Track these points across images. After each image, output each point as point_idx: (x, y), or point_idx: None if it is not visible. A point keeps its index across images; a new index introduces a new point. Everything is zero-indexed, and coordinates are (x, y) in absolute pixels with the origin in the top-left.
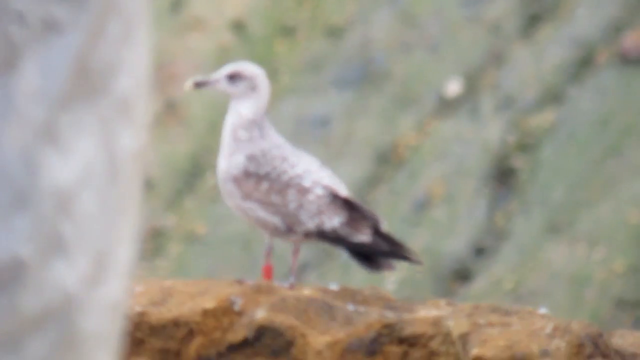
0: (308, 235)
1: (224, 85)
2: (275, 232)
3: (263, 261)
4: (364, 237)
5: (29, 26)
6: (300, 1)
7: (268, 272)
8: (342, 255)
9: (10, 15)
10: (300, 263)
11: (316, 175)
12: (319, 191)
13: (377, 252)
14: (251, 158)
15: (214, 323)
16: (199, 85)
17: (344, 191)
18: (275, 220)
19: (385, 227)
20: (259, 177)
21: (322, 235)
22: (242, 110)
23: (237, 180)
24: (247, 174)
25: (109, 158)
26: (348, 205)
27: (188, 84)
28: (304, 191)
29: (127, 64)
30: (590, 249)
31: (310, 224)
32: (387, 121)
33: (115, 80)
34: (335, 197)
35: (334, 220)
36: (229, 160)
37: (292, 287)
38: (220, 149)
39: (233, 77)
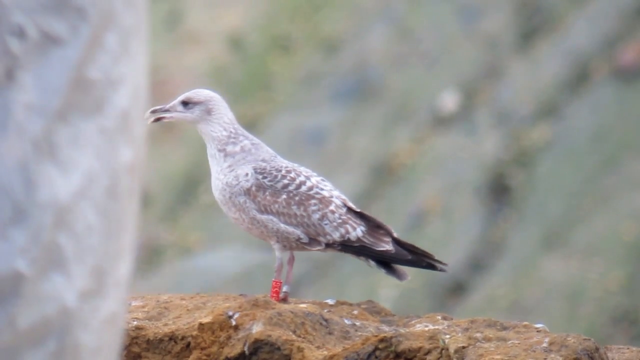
0: (330, 245)
1: (180, 112)
2: (297, 243)
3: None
4: (386, 246)
5: (28, 39)
6: (296, 16)
7: (277, 288)
8: (341, 270)
9: (10, 28)
10: (295, 279)
11: (328, 186)
12: (337, 201)
13: (401, 261)
14: (261, 171)
15: (210, 337)
16: (155, 112)
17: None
18: (297, 232)
19: (398, 235)
20: (276, 190)
21: (347, 245)
22: (212, 133)
23: (250, 193)
24: (260, 187)
25: (108, 172)
26: (361, 216)
27: (146, 115)
28: (325, 202)
29: (125, 77)
30: (586, 264)
31: (336, 235)
32: (382, 136)
33: (115, 93)
34: (348, 208)
35: (357, 230)
36: (235, 175)
37: (286, 296)
38: (211, 168)
39: (186, 104)
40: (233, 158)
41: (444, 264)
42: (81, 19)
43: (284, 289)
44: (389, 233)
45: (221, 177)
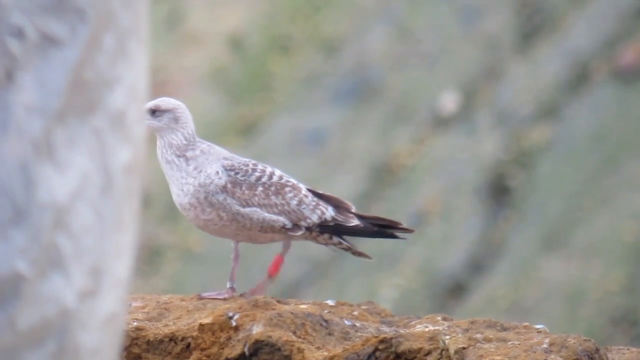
0: (310, 228)
1: (148, 121)
2: (281, 230)
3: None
4: (355, 221)
5: (27, 40)
6: (296, 17)
7: (277, 265)
8: (341, 270)
9: (9, 29)
10: (295, 279)
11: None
12: (303, 186)
13: (367, 234)
14: (230, 168)
15: (211, 338)
16: None
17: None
18: (281, 219)
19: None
20: (251, 184)
21: (324, 225)
22: (172, 141)
23: (227, 189)
24: (235, 183)
25: (104, 172)
26: (321, 196)
27: None
28: (297, 188)
29: (122, 78)
30: (587, 264)
31: (314, 217)
32: (383, 137)
33: (111, 94)
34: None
35: (330, 210)
36: (205, 175)
37: (233, 291)
38: (169, 173)
39: (154, 112)
40: (196, 161)
41: (410, 230)
42: (80, 20)
43: (228, 285)
44: (348, 209)
45: (190, 180)
